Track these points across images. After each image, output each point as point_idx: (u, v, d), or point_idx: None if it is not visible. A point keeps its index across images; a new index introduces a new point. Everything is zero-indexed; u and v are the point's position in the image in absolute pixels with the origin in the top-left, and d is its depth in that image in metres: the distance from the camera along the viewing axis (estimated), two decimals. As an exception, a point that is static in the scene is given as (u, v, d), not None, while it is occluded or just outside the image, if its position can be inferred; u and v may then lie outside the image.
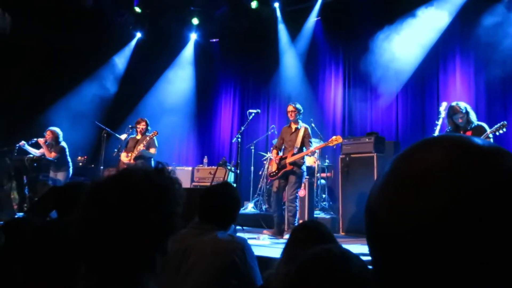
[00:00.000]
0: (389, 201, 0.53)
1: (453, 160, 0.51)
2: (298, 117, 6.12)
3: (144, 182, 1.10)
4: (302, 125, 6.13)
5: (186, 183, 8.76)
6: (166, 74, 11.03)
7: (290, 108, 6.14)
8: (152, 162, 7.09)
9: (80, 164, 9.25)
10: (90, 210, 1.07)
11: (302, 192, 6.26)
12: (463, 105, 4.92)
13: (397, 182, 0.53)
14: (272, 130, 8.72)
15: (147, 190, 1.09)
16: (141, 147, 6.81)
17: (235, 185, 6.22)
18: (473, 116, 4.88)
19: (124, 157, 7.04)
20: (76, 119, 9.43)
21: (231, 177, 7.93)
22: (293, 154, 5.97)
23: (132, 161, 6.87)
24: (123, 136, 7.34)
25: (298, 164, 5.95)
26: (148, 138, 6.91)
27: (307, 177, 6.48)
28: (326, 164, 8.19)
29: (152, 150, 7.04)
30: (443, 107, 5.09)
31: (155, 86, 10.98)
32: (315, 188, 7.20)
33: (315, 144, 6.34)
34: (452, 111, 4.89)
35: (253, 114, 6.49)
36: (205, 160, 9.55)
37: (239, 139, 6.38)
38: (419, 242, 0.48)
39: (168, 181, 1.15)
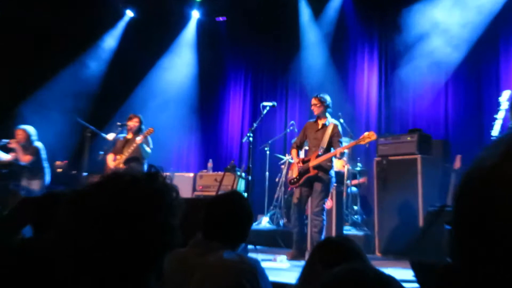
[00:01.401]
0: None
1: None
2: (325, 111, 6.13)
3: (133, 189, 1.13)
4: (331, 122, 6.13)
5: (186, 193, 8.78)
6: (162, 60, 11.12)
7: (314, 101, 6.15)
8: (145, 167, 7.16)
9: (59, 170, 9.31)
10: (70, 225, 1.09)
11: (329, 203, 6.24)
12: None
13: None
14: (291, 128, 8.71)
15: (136, 199, 1.11)
16: (133, 147, 6.85)
17: (246, 194, 6.20)
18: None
19: (111, 161, 7.09)
20: (53, 115, 9.52)
21: (241, 185, 7.93)
22: (318, 156, 5.96)
23: (121, 165, 6.92)
24: (110, 136, 7.38)
25: (324, 168, 5.93)
26: (142, 137, 6.95)
27: (335, 184, 6.44)
28: (359, 168, 8.15)
29: (147, 149, 7.10)
30: (505, 96, 5.01)
31: (149, 75, 11.07)
32: (344, 198, 7.19)
33: (345, 143, 6.30)
34: (518, 102, 4.82)
35: (267, 108, 6.49)
36: (210, 164, 9.57)
37: (251, 139, 6.37)
38: None
39: (162, 187, 1.18)
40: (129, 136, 7.23)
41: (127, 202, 1.10)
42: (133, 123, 7.20)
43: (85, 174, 7.25)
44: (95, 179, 1.18)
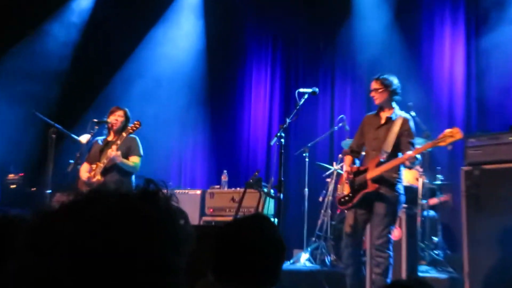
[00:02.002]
0: None
1: None
2: (390, 99, 6.12)
3: (120, 214, 1.14)
4: (399, 115, 6.13)
5: (191, 218, 8.76)
6: (155, 31, 11.20)
7: (374, 84, 6.14)
8: (133, 180, 7.19)
9: (12, 186, 9.41)
10: (31, 259, 1.10)
11: (396, 233, 6.18)
12: None
13: None
14: (340, 124, 8.72)
15: (124, 228, 1.12)
16: (113, 152, 6.89)
17: (276, 220, 6.15)
18: None
19: (85, 172, 7.14)
20: (3, 109, 9.61)
21: (269, 207, 7.88)
22: (380, 164, 5.91)
23: (98, 177, 6.97)
24: (84, 138, 7.48)
25: (389, 181, 5.91)
26: (124, 135, 7.02)
27: (405, 205, 6.35)
28: (439, 182, 8.09)
29: (134, 159, 7.16)
30: None
31: (137, 52, 11.16)
32: (419, 225, 7.11)
33: (419, 146, 6.24)
34: None
35: (306, 97, 6.45)
36: (224, 177, 9.56)
37: (283, 140, 6.33)
38: None
39: (163, 212, 1.19)
40: (110, 137, 7.29)
41: (111, 233, 1.11)
42: (115, 118, 7.27)
43: (48, 191, 7.27)
44: (63, 198, 1.17)
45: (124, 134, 7.01)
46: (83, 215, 1.12)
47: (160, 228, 1.16)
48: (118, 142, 6.98)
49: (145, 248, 1.13)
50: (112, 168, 7.05)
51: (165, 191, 1.22)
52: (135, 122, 7.12)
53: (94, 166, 7.09)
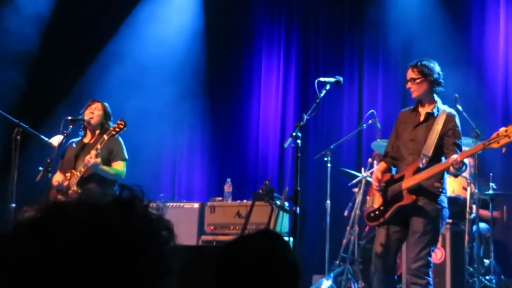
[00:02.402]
0: None
1: None
2: (431, 91, 6.13)
3: (90, 233, 1.14)
4: (442, 110, 6.13)
5: (188, 237, 8.80)
6: (141, 8, 11.22)
7: (411, 73, 6.15)
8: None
9: (-31, 198, 9.43)
10: None
11: (438, 255, 6.21)
12: None
13: None
14: (370, 121, 8.71)
15: (95, 250, 1.13)
16: (91, 158, 6.95)
17: (291, 239, 6.18)
18: None
19: (58, 182, 7.18)
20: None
21: (283, 223, 7.94)
22: (418, 170, 5.94)
23: (74, 188, 7.02)
24: (55, 140, 7.48)
25: (429, 192, 5.93)
26: (105, 137, 7.04)
27: (450, 220, 6.35)
28: (491, 192, 8.01)
29: (118, 165, 7.23)
30: None
31: (119, 34, 11.19)
32: (466, 245, 7.09)
33: (467, 148, 6.27)
34: None
35: (327, 87, 6.48)
36: (228, 187, 9.59)
37: (299, 141, 6.36)
38: None
39: (144, 225, 1.20)
40: (87, 138, 7.37)
41: (79, 256, 1.12)
42: (91, 112, 7.33)
43: (13, 205, 7.31)
44: (30, 213, 1.18)
45: (105, 137, 7.01)
46: (44, 236, 1.12)
47: (140, 244, 1.16)
48: (98, 146, 6.98)
49: (122, 273, 1.13)
50: (91, 177, 7.08)
51: (143, 199, 1.23)
52: (119, 122, 7.11)
53: (68, 174, 7.12)
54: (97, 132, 7.35)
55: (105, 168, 7.10)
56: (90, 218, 1.14)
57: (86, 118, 7.32)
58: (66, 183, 7.09)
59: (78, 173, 7.05)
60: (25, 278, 1.10)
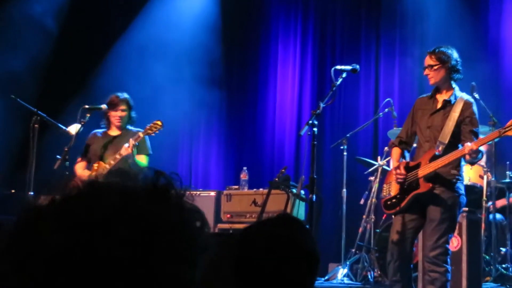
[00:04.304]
0: None
1: None
2: (449, 78, 6.10)
3: (123, 218, 1.11)
4: (460, 97, 6.10)
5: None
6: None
7: (429, 60, 6.11)
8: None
9: (-12, 187, 9.46)
10: (6, 269, 1.10)
11: (455, 243, 6.19)
12: None
13: None
14: (387, 110, 8.74)
15: (128, 236, 1.10)
16: (130, 146, 6.98)
17: (307, 226, 6.14)
18: None
19: (82, 169, 7.28)
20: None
21: (299, 211, 7.95)
22: (435, 158, 5.92)
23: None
24: (73, 129, 7.49)
25: (446, 180, 5.92)
26: (141, 135, 7.06)
27: (466, 209, 6.33)
28: (508, 180, 8.06)
29: (141, 159, 7.24)
30: None
31: (135, 25, 11.20)
32: (483, 233, 7.07)
33: (483, 137, 6.23)
34: None
35: (344, 75, 6.49)
36: (244, 176, 9.61)
37: (315, 129, 6.37)
38: None
39: (177, 215, 1.17)
40: (114, 132, 7.39)
41: (110, 241, 1.09)
42: (118, 115, 7.30)
43: (31, 193, 7.35)
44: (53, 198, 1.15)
45: (140, 135, 7.05)
46: (75, 217, 1.09)
47: (173, 234, 1.13)
48: (132, 142, 7.00)
49: (153, 261, 1.10)
50: (118, 171, 7.03)
51: (178, 186, 1.19)
52: (156, 122, 7.12)
53: (96, 165, 7.17)
54: (120, 127, 7.37)
55: (136, 160, 7.10)
56: (121, 202, 1.11)
57: (116, 123, 7.30)
58: (94, 173, 7.12)
59: (108, 166, 7.08)
60: (53, 253, 1.07)
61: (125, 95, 7.40)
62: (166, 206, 1.15)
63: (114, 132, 7.36)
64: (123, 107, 7.30)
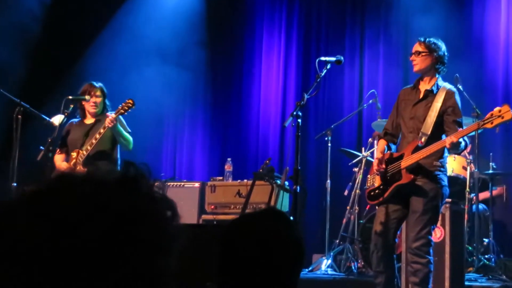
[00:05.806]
0: None
1: None
2: (433, 67, 6.10)
3: (92, 209, 1.12)
4: (442, 86, 6.09)
5: (189, 216, 8.84)
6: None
7: (418, 46, 6.11)
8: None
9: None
10: None
11: (438, 234, 6.18)
12: None
13: None
14: (371, 101, 8.72)
15: (97, 226, 1.10)
16: (98, 135, 6.98)
17: (291, 218, 6.18)
18: None
19: (61, 160, 7.26)
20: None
21: (283, 202, 7.96)
22: (417, 149, 5.92)
23: (79, 167, 7.03)
24: (56, 119, 7.47)
25: (428, 171, 5.92)
26: (113, 115, 7.01)
27: (449, 200, 6.33)
28: (491, 171, 8.06)
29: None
30: None
31: (120, 14, 11.17)
32: (465, 224, 7.10)
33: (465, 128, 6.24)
34: None
35: (328, 67, 6.48)
36: (228, 167, 9.62)
37: (300, 121, 6.37)
38: None
39: (148, 204, 1.18)
40: (89, 120, 7.38)
41: (80, 233, 1.09)
42: (93, 101, 7.28)
43: (14, 184, 7.33)
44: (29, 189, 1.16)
45: (114, 115, 7.01)
46: (43, 210, 1.10)
47: (144, 223, 1.14)
48: (113, 115, 7.00)
49: (123, 251, 1.11)
50: (97, 155, 7.08)
51: (148, 177, 1.20)
52: (128, 101, 7.11)
53: (74, 153, 7.14)
54: (94, 114, 7.35)
55: (121, 129, 7.11)
56: (92, 193, 1.12)
57: (90, 110, 7.29)
58: (72, 162, 7.10)
59: (85, 152, 7.05)
60: (22, 247, 1.08)
61: (99, 83, 7.40)
62: (136, 196, 1.16)
63: (89, 120, 7.33)
64: (97, 93, 7.29)
